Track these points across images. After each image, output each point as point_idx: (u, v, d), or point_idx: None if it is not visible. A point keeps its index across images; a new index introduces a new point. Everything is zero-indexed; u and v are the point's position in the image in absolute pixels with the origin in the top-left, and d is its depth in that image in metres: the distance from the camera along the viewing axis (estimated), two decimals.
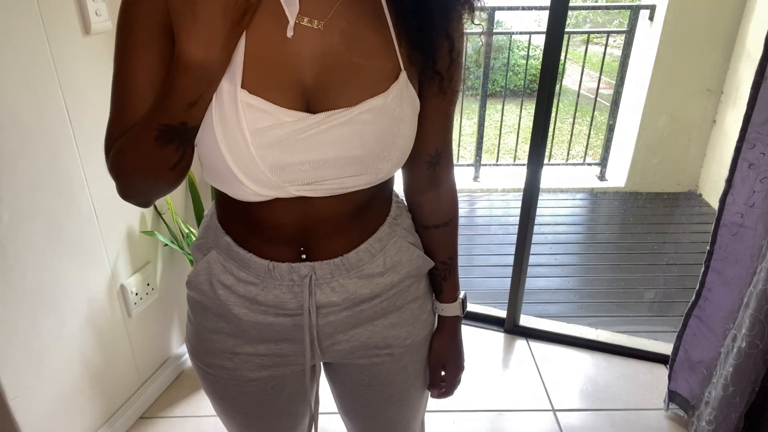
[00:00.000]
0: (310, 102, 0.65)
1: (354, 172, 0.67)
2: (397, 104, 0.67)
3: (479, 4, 0.69)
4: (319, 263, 0.74)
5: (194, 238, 1.75)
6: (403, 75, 0.67)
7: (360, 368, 0.85)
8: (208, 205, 1.88)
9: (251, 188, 0.65)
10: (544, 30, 1.69)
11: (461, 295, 0.91)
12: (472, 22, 0.71)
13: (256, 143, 0.63)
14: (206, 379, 0.86)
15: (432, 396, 0.96)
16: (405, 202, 0.86)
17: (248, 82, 0.62)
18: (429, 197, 0.84)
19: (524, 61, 4.83)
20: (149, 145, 0.62)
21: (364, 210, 0.75)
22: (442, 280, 0.89)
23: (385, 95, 0.66)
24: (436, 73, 0.71)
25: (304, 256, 0.74)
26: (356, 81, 0.65)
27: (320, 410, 0.94)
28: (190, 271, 0.83)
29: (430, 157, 0.79)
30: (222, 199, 0.75)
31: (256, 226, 0.73)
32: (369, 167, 0.68)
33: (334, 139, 0.64)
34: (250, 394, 0.85)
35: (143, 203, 0.72)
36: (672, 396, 1.76)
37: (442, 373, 0.92)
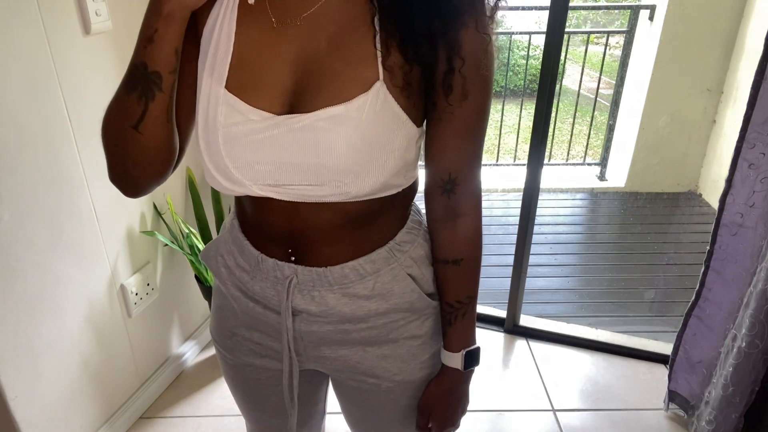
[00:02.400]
0: (293, 106, 0.65)
1: (312, 182, 0.65)
2: (363, 115, 0.62)
3: (486, 8, 0.63)
4: (302, 268, 0.74)
5: (194, 238, 1.76)
6: (378, 85, 0.62)
7: (351, 388, 0.85)
8: (208, 206, 1.88)
9: (220, 182, 0.68)
10: (544, 30, 1.69)
11: (469, 348, 0.80)
12: (477, 29, 0.63)
13: (223, 137, 0.65)
14: (217, 354, 0.91)
15: None
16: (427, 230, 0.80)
17: (232, 81, 0.65)
18: (443, 227, 0.76)
19: (524, 61, 4.83)
20: (120, 92, 0.65)
21: (358, 226, 0.72)
22: (446, 324, 0.80)
23: (347, 104, 0.62)
24: (432, 86, 0.65)
25: (293, 258, 0.74)
26: (329, 87, 0.63)
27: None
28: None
29: (443, 183, 0.72)
30: None
31: (252, 219, 0.76)
32: (328, 179, 0.64)
33: (290, 143, 0.64)
34: (247, 379, 0.87)
35: (126, 185, 0.71)
36: (672, 396, 1.76)
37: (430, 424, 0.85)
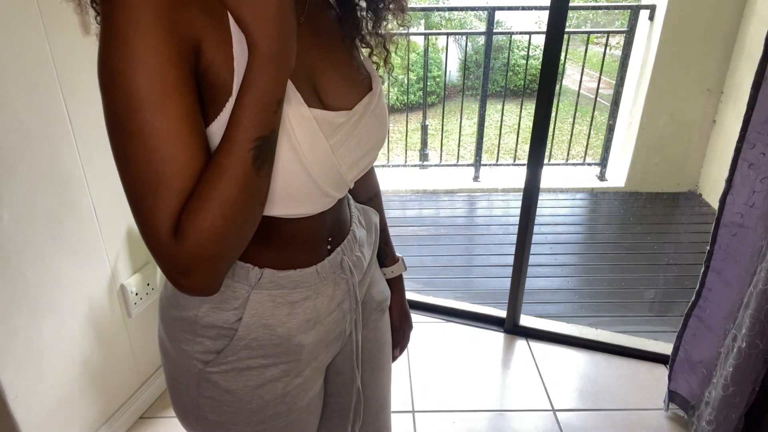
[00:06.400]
0: (321, 99, 0.66)
1: (381, 150, 0.76)
2: (384, 83, 0.77)
3: None
4: (341, 246, 0.78)
5: None
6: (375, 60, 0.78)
7: (365, 340, 0.89)
8: None
9: (332, 194, 0.68)
10: (544, 30, 1.69)
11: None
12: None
13: (341, 152, 0.66)
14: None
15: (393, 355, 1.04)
16: None
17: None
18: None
19: (524, 61, 4.83)
20: (248, 176, 0.53)
21: None
22: (384, 244, 0.97)
23: (379, 80, 0.75)
24: (386, 50, 0.79)
25: (329, 247, 0.77)
26: (358, 70, 0.72)
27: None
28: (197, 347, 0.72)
29: None
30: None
31: (297, 239, 0.71)
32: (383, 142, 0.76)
33: (373, 124, 0.71)
34: (296, 421, 0.80)
35: (216, 285, 0.58)
36: (672, 396, 1.76)
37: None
